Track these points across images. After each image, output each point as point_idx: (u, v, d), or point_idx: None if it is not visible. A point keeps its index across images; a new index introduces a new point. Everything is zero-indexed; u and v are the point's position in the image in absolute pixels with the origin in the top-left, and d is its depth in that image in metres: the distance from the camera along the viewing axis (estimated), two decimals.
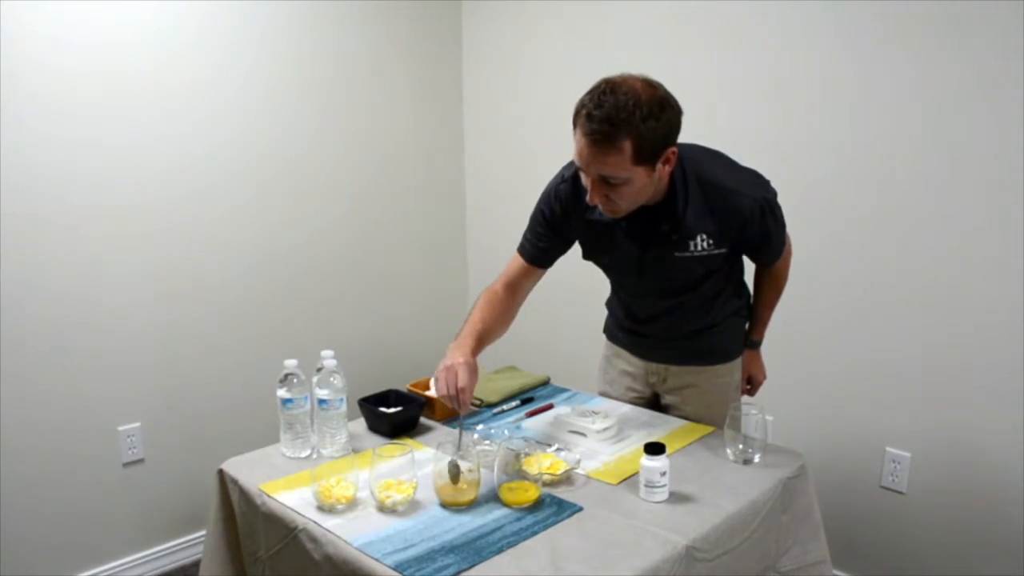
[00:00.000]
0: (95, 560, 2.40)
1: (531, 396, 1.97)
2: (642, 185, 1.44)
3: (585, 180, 1.47)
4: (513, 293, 1.75)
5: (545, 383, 2.07)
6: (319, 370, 1.64)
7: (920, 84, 2.02)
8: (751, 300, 1.87)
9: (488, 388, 1.96)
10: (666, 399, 1.87)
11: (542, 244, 1.71)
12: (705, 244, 1.55)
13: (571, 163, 1.61)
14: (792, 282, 2.31)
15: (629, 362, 1.91)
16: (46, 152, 2.15)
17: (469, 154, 3.22)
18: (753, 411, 1.57)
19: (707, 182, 1.52)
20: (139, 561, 2.48)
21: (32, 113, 2.12)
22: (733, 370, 1.84)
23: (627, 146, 1.36)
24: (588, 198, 1.47)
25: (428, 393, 1.84)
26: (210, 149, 2.47)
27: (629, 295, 1.83)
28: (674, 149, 1.44)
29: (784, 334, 2.36)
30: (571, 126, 1.43)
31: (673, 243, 1.56)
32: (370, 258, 2.96)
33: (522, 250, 1.74)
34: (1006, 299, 1.96)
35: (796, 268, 2.31)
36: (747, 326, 1.88)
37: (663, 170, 1.45)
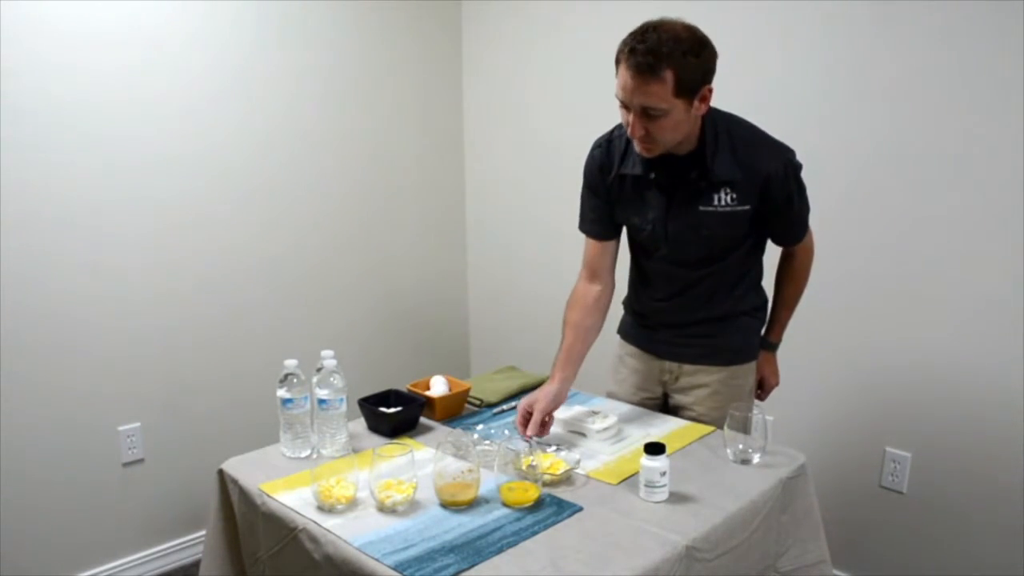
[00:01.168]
0: (95, 560, 2.40)
1: None
2: (680, 120, 1.51)
3: (626, 117, 1.55)
4: (597, 279, 1.81)
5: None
6: (319, 370, 1.64)
7: (920, 83, 2.02)
8: (769, 304, 1.87)
9: (488, 388, 1.96)
10: (676, 399, 1.86)
11: (597, 215, 1.78)
12: (729, 199, 1.60)
13: (600, 137, 1.76)
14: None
15: (641, 360, 1.89)
16: (45, 152, 2.15)
17: (469, 154, 3.22)
18: (753, 411, 1.57)
19: (736, 135, 1.61)
20: (139, 561, 2.48)
21: (32, 112, 2.11)
22: (748, 373, 1.82)
23: (669, 76, 1.45)
24: (629, 131, 1.55)
25: (428, 393, 1.84)
26: (209, 149, 2.47)
27: (651, 266, 1.81)
28: (711, 87, 1.52)
29: (784, 334, 2.36)
30: (613, 68, 1.55)
31: (699, 193, 1.61)
32: (370, 258, 2.96)
33: (586, 231, 1.82)
34: (1006, 299, 1.96)
35: None
36: (764, 328, 1.88)
37: (699, 108, 1.53)
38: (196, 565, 2.24)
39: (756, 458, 1.57)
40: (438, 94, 3.09)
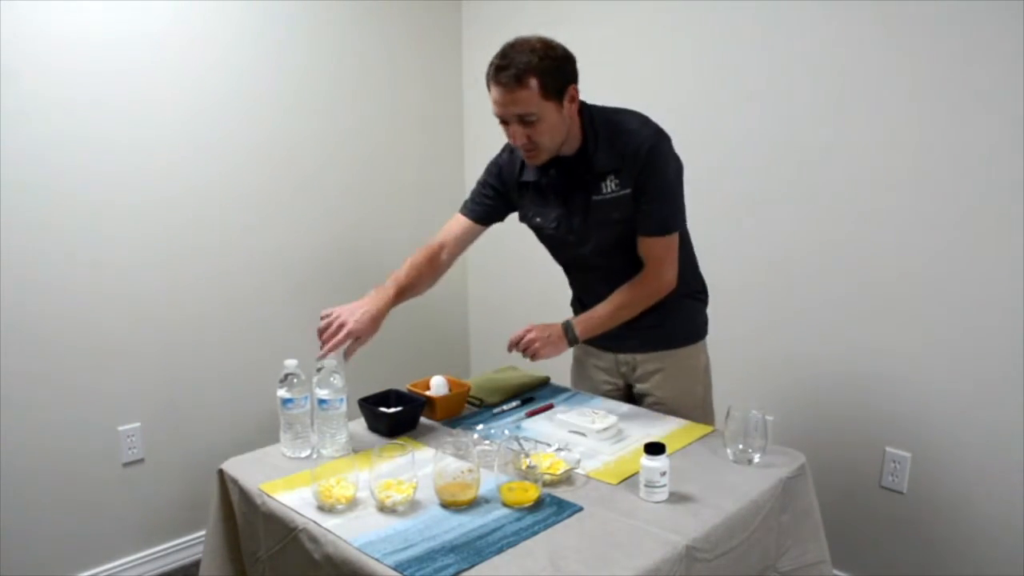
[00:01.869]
0: (95, 560, 2.40)
1: (531, 396, 1.97)
2: (555, 122, 1.63)
3: (507, 131, 1.67)
4: (443, 249, 1.93)
5: (545, 383, 2.07)
6: (319, 370, 1.64)
7: (920, 83, 2.02)
8: (707, 288, 1.93)
9: (488, 388, 1.96)
10: (638, 387, 1.94)
11: (487, 202, 1.90)
12: (613, 185, 1.70)
13: (508, 144, 1.83)
14: (792, 281, 2.32)
15: (600, 357, 1.98)
16: (46, 152, 2.16)
17: (469, 154, 3.22)
18: (753, 411, 1.57)
19: (611, 124, 1.71)
20: (139, 561, 2.48)
21: (33, 113, 2.12)
22: (698, 352, 1.91)
23: (533, 82, 1.58)
24: (512, 141, 1.67)
25: (428, 393, 1.84)
26: (209, 149, 2.47)
27: (570, 269, 1.96)
28: (576, 87, 1.65)
29: (784, 334, 2.36)
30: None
31: (589, 185, 1.71)
32: (370, 258, 2.96)
33: (465, 209, 1.94)
34: (1006, 299, 1.96)
35: (796, 267, 2.31)
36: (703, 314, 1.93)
37: (570, 108, 1.65)
38: (196, 565, 2.24)
39: (756, 458, 1.57)
40: (438, 94, 3.09)
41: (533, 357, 1.79)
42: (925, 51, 2.01)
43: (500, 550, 1.26)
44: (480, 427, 1.74)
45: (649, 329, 1.85)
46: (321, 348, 1.68)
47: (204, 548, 1.60)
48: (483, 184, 1.91)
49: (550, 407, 1.89)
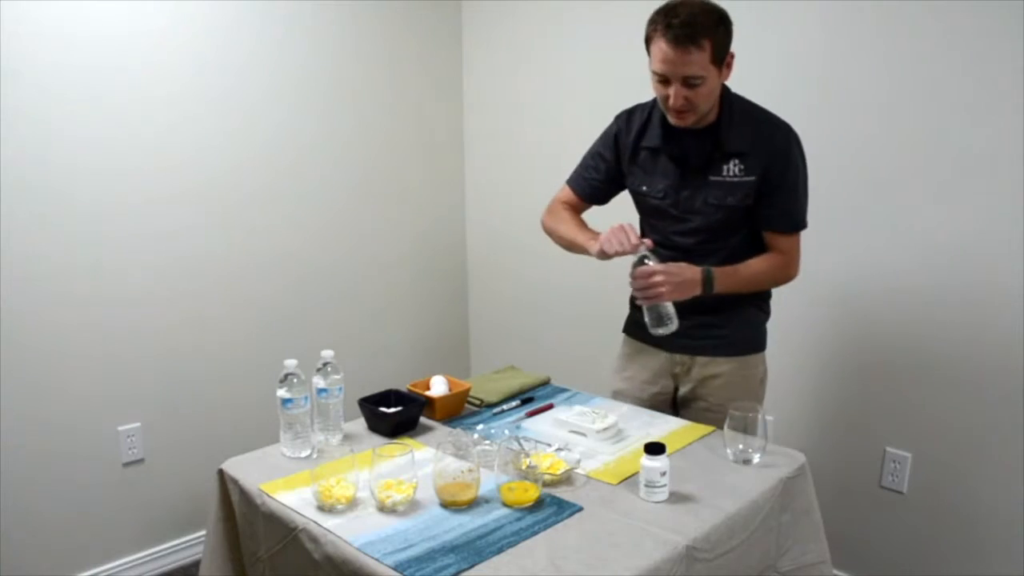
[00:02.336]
0: (95, 560, 2.40)
1: (531, 396, 1.97)
2: (713, 87, 1.65)
3: (663, 91, 1.65)
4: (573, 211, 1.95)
5: (545, 383, 2.07)
6: (319, 370, 1.66)
7: (920, 83, 2.02)
8: (771, 298, 1.90)
9: (488, 388, 1.96)
10: (689, 390, 1.86)
11: (594, 177, 1.92)
12: (737, 169, 1.70)
13: (622, 111, 1.88)
14: (791, 281, 2.31)
15: (653, 356, 1.90)
16: (46, 151, 2.16)
17: (469, 154, 3.22)
18: (753, 411, 1.57)
19: (748, 111, 1.73)
20: (139, 561, 2.48)
21: (33, 112, 2.12)
22: (758, 363, 1.87)
23: (707, 44, 1.57)
24: (671, 102, 1.63)
25: (428, 393, 1.84)
26: (209, 150, 2.47)
27: (664, 241, 1.82)
28: (733, 54, 1.65)
29: (784, 334, 2.36)
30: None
31: (711, 163, 1.72)
32: (370, 258, 2.96)
33: (574, 184, 1.96)
34: (1006, 299, 1.96)
35: None
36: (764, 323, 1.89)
37: (725, 74, 1.66)
38: (196, 565, 2.24)
39: (756, 458, 1.57)
40: (438, 94, 3.09)
41: (649, 299, 1.66)
42: (927, 51, 2.01)
43: (500, 550, 1.26)
44: (480, 427, 1.74)
45: (713, 328, 1.81)
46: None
47: (204, 548, 1.60)
48: (593, 155, 1.92)
49: (550, 407, 1.89)
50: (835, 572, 2.05)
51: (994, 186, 1.95)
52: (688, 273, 1.68)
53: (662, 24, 1.58)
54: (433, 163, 3.12)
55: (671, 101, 1.64)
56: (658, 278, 1.64)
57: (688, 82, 1.60)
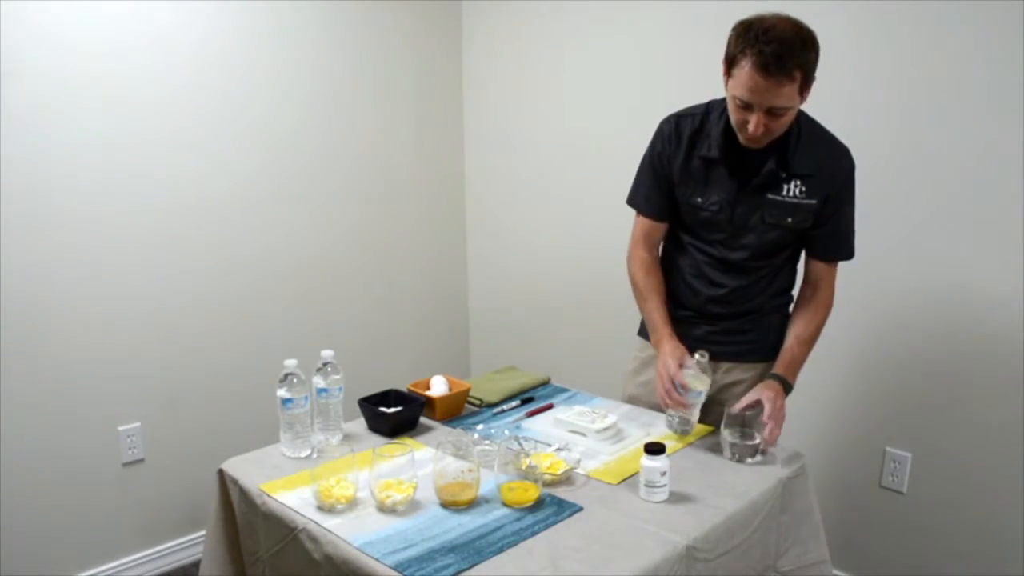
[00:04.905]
0: (95, 560, 2.40)
1: (531, 396, 1.97)
2: (793, 115, 1.56)
3: (742, 116, 1.54)
4: (655, 248, 1.85)
5: (545, 383, 2.07)
6: (319, 370, 1.66)
7: (920, 83, 2.03)
8: (791, 304, 1.84)
9: (488, 388, 1.96)
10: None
11: (651, 193, 1.80)
12: (798, 191, 1.63)
13: (669, 115, 1.76)
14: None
15: None
16: (47, 152, 2.15)
17: (469, 154, 3.22)
18: (753, 411, 1.57)
19: (815, 131, 1.65)
20: (139, 561, 2.48)
21: (32, 115, 2.11)
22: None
23: (798, 75, 1.47)
24: (752, 129, 1.53)
25: (428, 393, 1.84)
26: (209, 152, 2.47)
27: (704, 253, 1.78)
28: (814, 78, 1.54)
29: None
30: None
31: (772, 183, 1.64)
32: (370, 258, 2.96)
33: (641, 209, 1.83)
34: (1006, 299, 1.96)
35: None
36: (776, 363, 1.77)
37: (805, 98, 1.55)
38: (196, 565, 2.24)
39: (756, 458, 1.57)
40: (438, 94, 3.09)
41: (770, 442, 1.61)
42: (929, 51, 2.01)
43: (500, 550, 1.26)
44: (480, 427, 1.74)
45: (738, 334, 1.79)
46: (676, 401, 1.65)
47: (204, 548, 1.60)
48: (648, 175, 1.79)
49: (550, 407, 1.89)
50: (835, 572, 2.05)
51: (994, 186, 1.94)
52: (776, 398, 1.64)
53: (752, 48, 1.45)
54: (433, 163, 3.12)
55: (751, 128, 1.53)
56: (771, 426, 1.58)
57: (772, 111, 1.51)
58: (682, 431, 1.69)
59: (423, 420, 1.81)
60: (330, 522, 1.35)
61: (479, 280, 3.29)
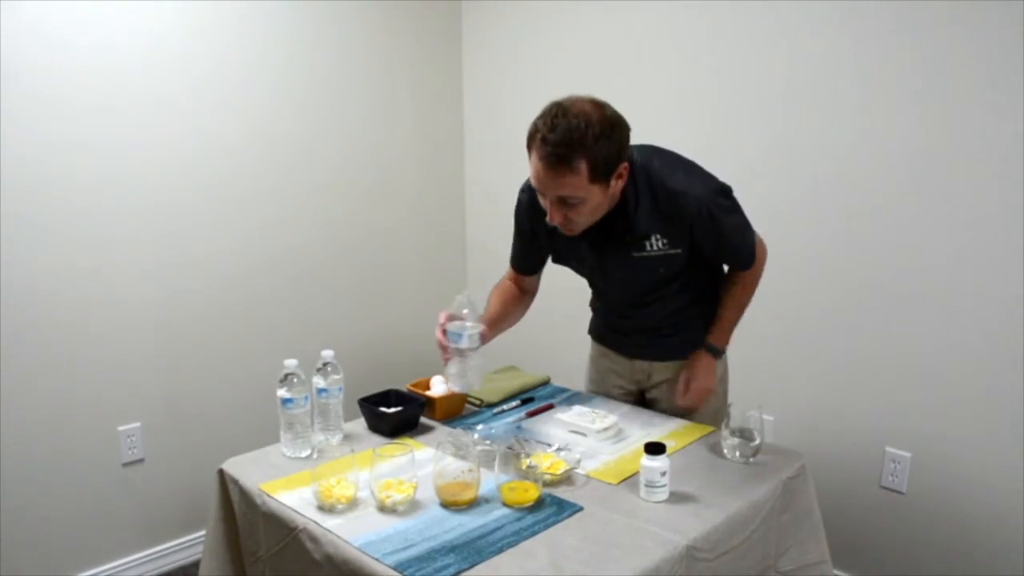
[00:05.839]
0: (95, 560, 2.40)
1: (531, 396, 1.97)
2: (598, 202, 1.50)
3: (543, 201, 1.53)
4: (521, 290, 1.90)
5: (545, 383, 2.07)
6: (319, 370, 1.66)
7: (920, 83, 2.02)
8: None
9: (488, 388, 1.96)
10: (652, 393, 1.92)
11: (522, 254, 1.84)
12: (660, 244, 1.60)
13: (525, 182, 1.71)
14: (792, 281, 2.32)
15: (615, 361, 1.95)
16: (46, 152, 2.15)
17: (469, 154, 3.22)
18: (753, 411, 1.57)
19: (656, 184, 1.56)
20: (139, 561, 2.48)
21: (32, 114, 2.11)
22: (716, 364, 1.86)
23: (583, 167, 1.42)
24: (548, 218, 1.53)
25: (428, 393, 1.84)
26: (209, 150, 2.47)
27: (603, 295, 1.91)
28: (626, 165, 1.50)
29: (784, 334, 2.37)
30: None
31: (628, 244, 1.61)
32: (370, 258, 2.96)
33: (511, 261, 1.89)
34: (1006, 299, 1.96)
35: (797, 267, 2.31)
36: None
37: (616, 185, 1.51)
38: (196, 565, 2.24)
39: (756, 458, 1.57)
40: (438, 94, 3.09)
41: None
42: (932, 52, 2.01)
43: (500, 550, 1.26)
44: (480, 427, 1.74)
45: (665, 339, 1.83)
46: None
47: (204, 548, 1.60)
48: (518, 236, 1.80)
49: (550, 407, 1.89)
50: (835, 572, 2.05)
51: (994, 186, 1.94)
52: (703, 364, 1.77)
53: (539, 136, 1.42)
54: (433, 163, 3.12)
55: (547, 219, 1.53)
56: (697, 383, 1.73)
57: (564, 201, 1.48)
58: (459, 387, 1.69)
59: (423, 420, 1.82)
60: (330, 522, 1.35)
61: (479, 280, 3.29)
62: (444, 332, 1.66)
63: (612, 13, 2.62)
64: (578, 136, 1.39)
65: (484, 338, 1.69)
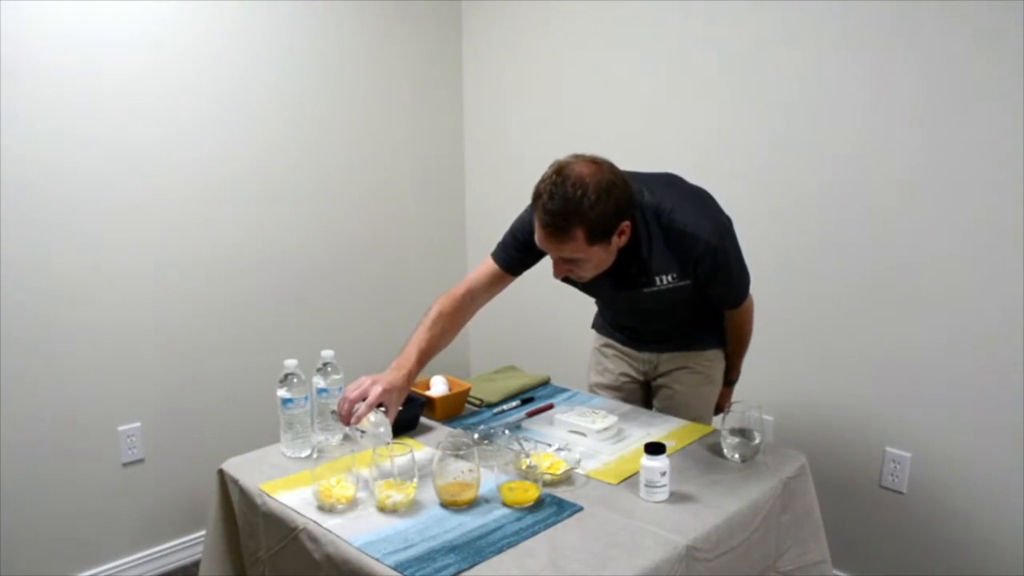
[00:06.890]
0: (95, 560, 2.40)
1: (531, 396, 1.97)
2: (600, 259, 1.55)
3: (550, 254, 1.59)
4: (472, 300, 1.81)
5: (545, 383, 2.07)
6: (319, 370, 1.66)
7: (920, 83, 2.02)
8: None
9: (488, 388, 1.96)
10: (658, 381, 1.97)
11: (517, 255, 1.76)
12: (669, 278, 1.65)
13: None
14: (792, 281, 2.32)
15: (622, 352, 2.00)
16: (46, 152, 2.15)
17: (469, 154, 3.22)
18: (753, 411, 1.57)
19: (666, 225, 1.60)
20: (139, 561, 2.48)
21: (32, 113, 2.11)
22: (719, 357, 1.96)
23: (580, 233, 1.47)
24: (553, 272, 1.59)
25: (428, 393, 1.84)
26: (209, 150, 2.47)
27: (609, 309, 2.01)
28: (628, 223, 1.53)
29: (784, 334, 2.37)
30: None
31: (642, 284, 1.66)
32: (370, 258, 2.96)
33: (496, 257, 1.79)
34: (1006, 299, 1.96)
35: (797, 267, 2.32)
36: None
37: (620, 241, 1.54)
38: (196, 565, 2.24)
39: (756, 458, 1.57)
40: (438, 95, 3.09)
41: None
42: (932, 51, 2.01)
43: (500, 550, 1.26)
44: (480, 427, 1.74)
45: (671, 339, 1.92)
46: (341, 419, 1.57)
47: (204, 548, 1.60)
48: (514, 235, 1.75)
49: (550, 407, 1.89)
50: (835, 572, 2.05)
51: (994, 185, 1.94)
52: (723, 396, 2.01)
53: (540, 202, 1.47)
54: (433, 163, 3.12)
55: (553, 272, 1.59)
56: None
57: (568, 260, 1.54)
58: (372, 444, 1.51)
59: (423, 420, 1.82)
60: (330, 522, 1.35)
61: None
62: (349, 409, 1.55)
63: (612, 12, 2.62)
64: (574, 206, 1.44)
65: (411, 376, 1.65)
